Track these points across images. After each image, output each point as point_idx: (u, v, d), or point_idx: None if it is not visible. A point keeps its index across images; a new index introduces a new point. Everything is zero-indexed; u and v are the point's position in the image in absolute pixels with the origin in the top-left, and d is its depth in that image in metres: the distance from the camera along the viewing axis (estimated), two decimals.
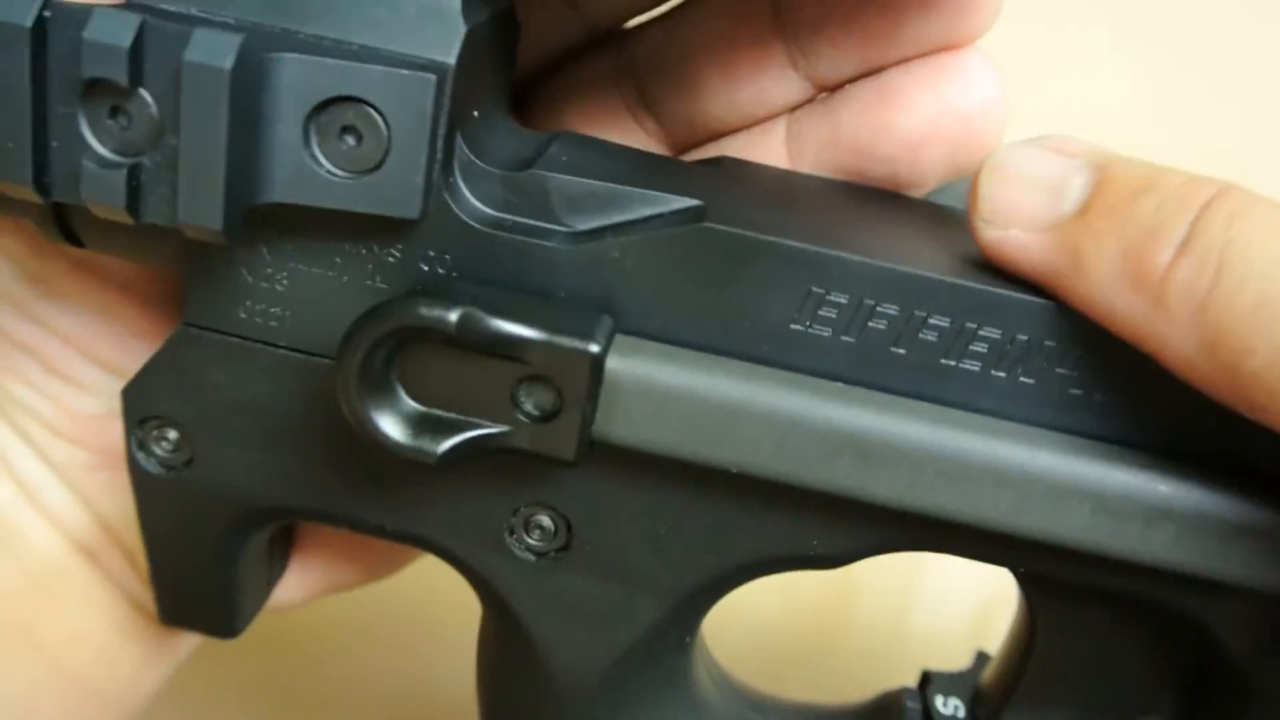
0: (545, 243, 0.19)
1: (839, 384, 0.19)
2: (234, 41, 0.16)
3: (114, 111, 0.17)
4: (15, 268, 0.23)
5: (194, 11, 0.18)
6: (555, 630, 0.22)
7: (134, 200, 0.17)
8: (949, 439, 0.18)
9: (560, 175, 0.19)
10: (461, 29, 0.18)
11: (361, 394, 0.19)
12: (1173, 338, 0.16)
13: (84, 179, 0.17)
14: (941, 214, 0.21)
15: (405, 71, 0.17)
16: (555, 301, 0.19)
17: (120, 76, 0.17)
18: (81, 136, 0.17)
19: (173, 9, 0.18)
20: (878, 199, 0.21)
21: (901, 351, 0.19)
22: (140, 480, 0.22)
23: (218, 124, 0.17)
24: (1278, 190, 0.17)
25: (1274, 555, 0.18)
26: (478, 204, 0.19)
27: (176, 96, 0.17)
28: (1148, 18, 0.52)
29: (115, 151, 0.17)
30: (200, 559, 0.23)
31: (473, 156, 0.19)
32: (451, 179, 0.19)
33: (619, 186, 0.19)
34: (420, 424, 0.19)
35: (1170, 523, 0.18)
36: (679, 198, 0.19)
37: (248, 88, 0.17)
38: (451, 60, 0.18)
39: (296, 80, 0.17)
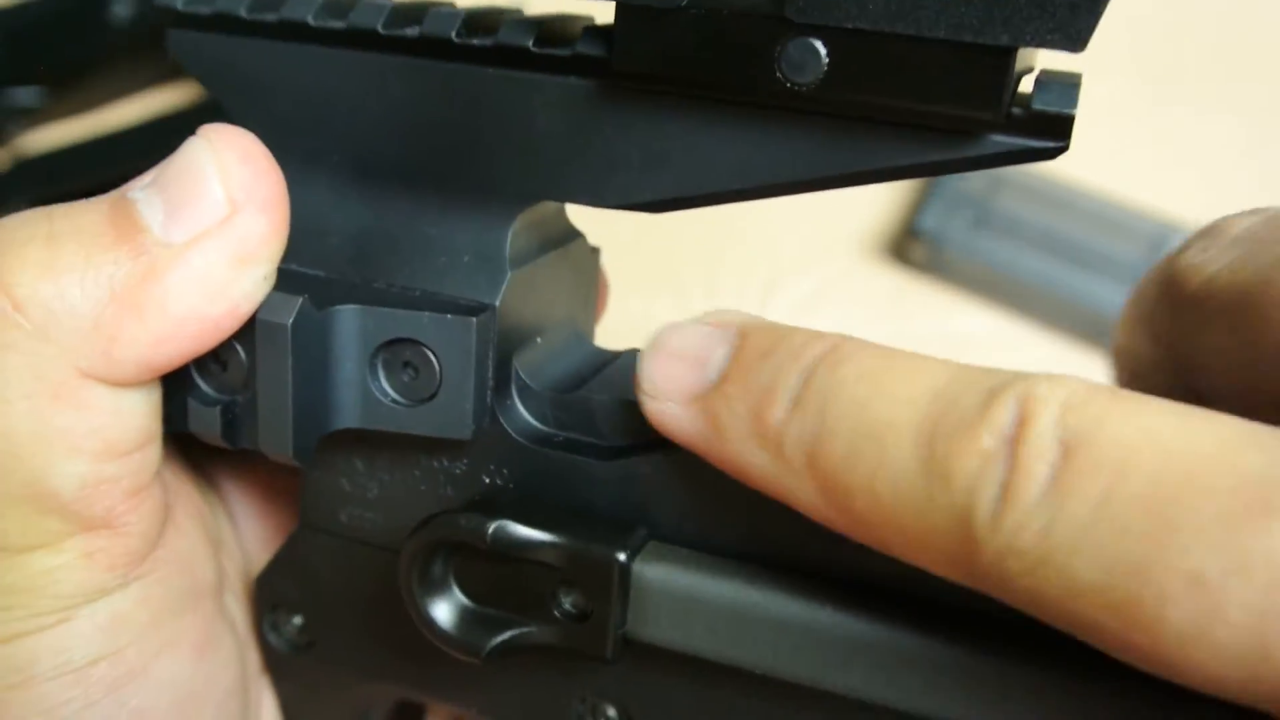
0: (584, 458, 0.21)
1: (859, 589, 0.19)
2: (295, 301, 0.20)
3: (216, 357, 0.21)
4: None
5: (294, 267, 0.22)
6: None
7: (229, 431, 0.21)
8: (964, 650, 0.18)
9: (601, 397, 0.21)
10: (507, 273, 0.21)
11: (418, 592, 0.21)
12: (796, 487, 0.17)
13: (190, 413, 0.21)
14: None
15: (449, 316, 0.20)
16: (596, 513, 0.21)
17: None
18: (191, 378, 0.21)
19: (282, 266, 0.21)
20: None
21: None
22: (270, 656, 0.26)
23: (285, 369, 0.20)
24: None
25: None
26: (529, 423, 0.22)
27: (254, 347, 0.20)
28: None
29: (216, 390, 0.21)
30: None
31: (527, 380, 0.22)
32: (508, 400, 0.22)
33: None
34: (471, 620, 0.21)
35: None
36: None
37: (313, 337, 0.20)
38: (496, 302, 0.21)
39: (358, 326, 0.20)
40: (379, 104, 0.21)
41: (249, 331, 0.20)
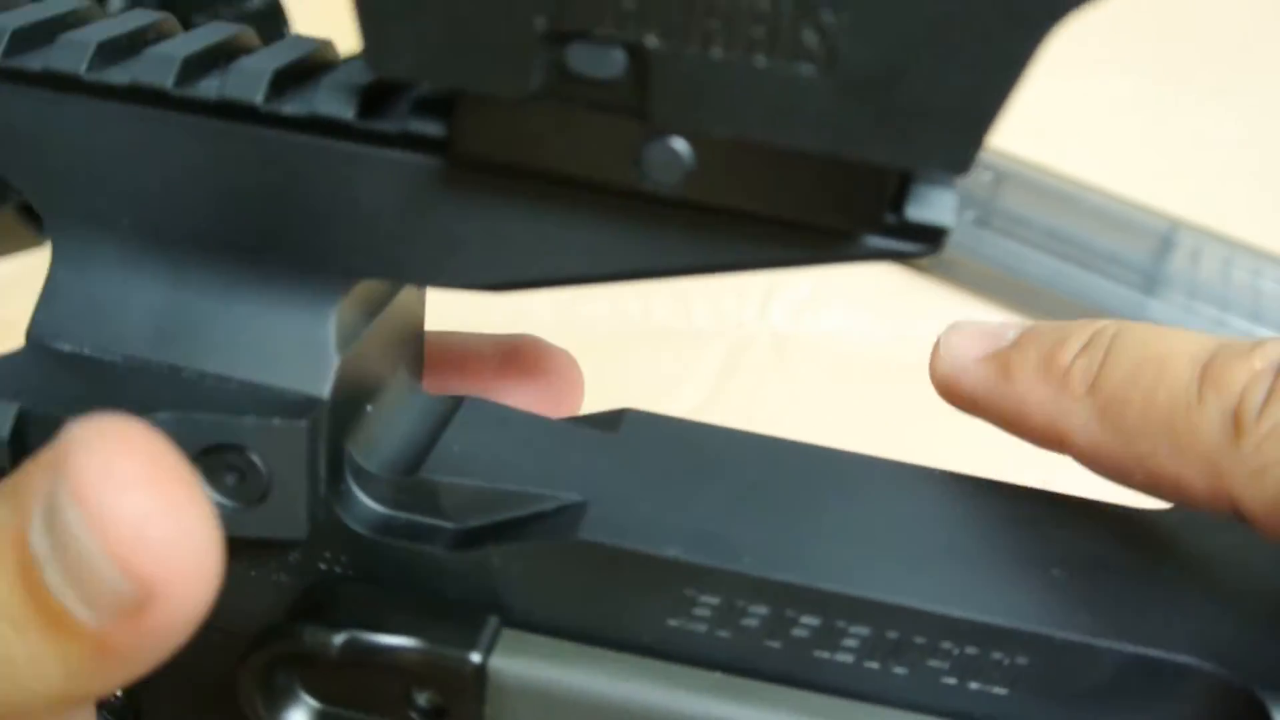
0: (430, 548, 0.20)
1: (715, 675, 0.20)
2: None
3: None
4: None
5: (86, 351, 0.19)
6: None
7: None
8: None
9: (445, 479, 0.20)
10: (334, 361, 0.19)
11: (263, 707, 0.20)
12: (1072, 411, 0.20)
13: None
14: (859, 475, 0.22)
15: (275, 421, 0.18)
16: (444, 601, 0.20)
17: (4, 462, 0.18)
18: None
19: (66, 349, 0.19)
20: (791, 458, 0.22)
21: (776, 645, 0.19)
22: None
23: None
24: None
25: None
26: (368, 509, 0.20)
27: None
28: None
29: None
30: None
31: (363, 463, 0.20)
32: (342, 486, 0.20)
33: (502, 488, 0.20)
34: None
35: None
36: (561, 495, 0.20)
37: None
38: (325, 394, 0.19)
39: (174, 435, 0.18)
40: (173, 167, 0.19)
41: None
